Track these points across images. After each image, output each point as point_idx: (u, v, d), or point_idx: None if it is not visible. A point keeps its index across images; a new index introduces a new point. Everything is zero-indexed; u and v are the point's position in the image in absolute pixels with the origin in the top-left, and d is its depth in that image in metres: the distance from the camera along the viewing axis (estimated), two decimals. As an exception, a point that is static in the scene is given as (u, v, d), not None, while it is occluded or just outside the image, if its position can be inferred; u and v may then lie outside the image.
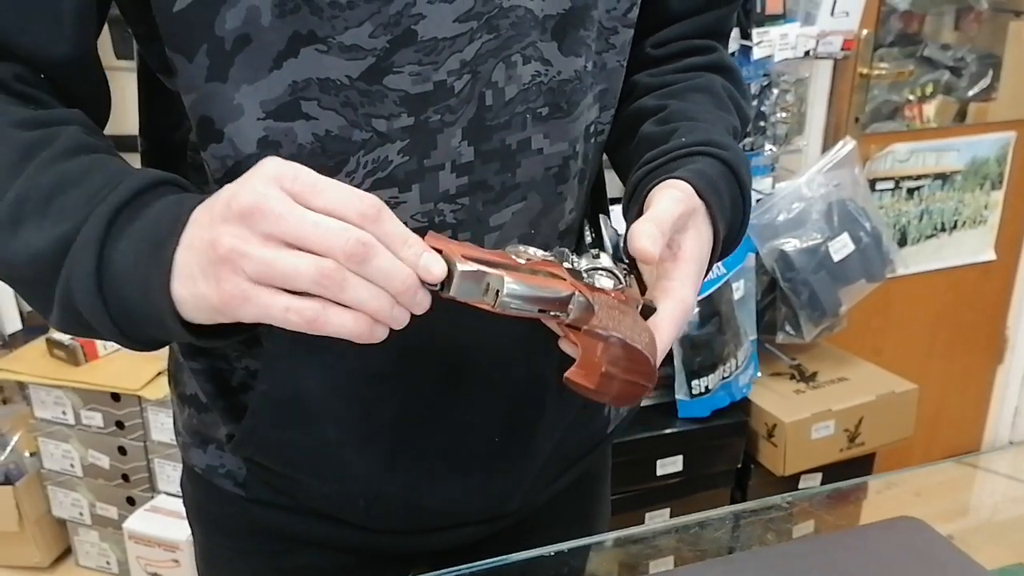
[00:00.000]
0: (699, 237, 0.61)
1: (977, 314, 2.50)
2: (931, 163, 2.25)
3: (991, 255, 2.44)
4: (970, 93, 2.49)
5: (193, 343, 0.54)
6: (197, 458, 0.77)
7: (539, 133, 0.65)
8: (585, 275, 0.57)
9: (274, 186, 0.47)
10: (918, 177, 2.25)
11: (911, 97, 2.42)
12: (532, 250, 0.55)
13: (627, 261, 0.59)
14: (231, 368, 0.71)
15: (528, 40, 0.62)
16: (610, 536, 0.90)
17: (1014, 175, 2.37)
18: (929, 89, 2.46)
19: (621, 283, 0.57)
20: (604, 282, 0.56)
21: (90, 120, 0.60)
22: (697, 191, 0.61)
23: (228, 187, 0.49)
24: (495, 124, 0.62)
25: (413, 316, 0.51)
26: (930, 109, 2.44)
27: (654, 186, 0.62)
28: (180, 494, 0.84)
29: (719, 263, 1.72)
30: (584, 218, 0.70)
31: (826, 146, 2.08)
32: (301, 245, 0.47)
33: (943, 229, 2.35)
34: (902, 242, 2.30)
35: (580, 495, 0.86)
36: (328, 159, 0.59)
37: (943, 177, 2.29)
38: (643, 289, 0.61)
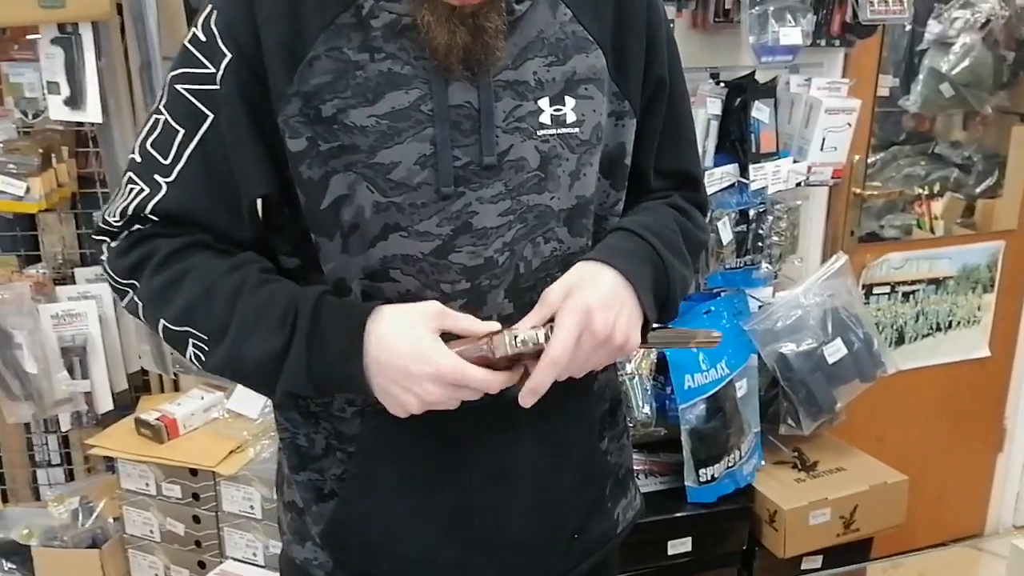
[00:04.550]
0: (590, 289, 0.85)
1: (975, 405, 2.63)
2: (924, 270, 2.45)
3: (986, 352, 2.59)
4: (977, 190, 2.69)
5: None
6: (297, 552, 1.00)
7: None
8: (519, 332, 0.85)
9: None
10: (913, 282, 2.45)
11: (921, 191, 2.61)
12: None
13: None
14: (324, 480, 0.95)
15: (548, 227, 0.89)
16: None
17: (1004, 280, 2.54)
18: (937, 187, 2.66)
19: (544, 334, 0.84)
20: (530, 334, 0.83)
21: (262, 258, 0.89)
22: (595, 259, 0.87)
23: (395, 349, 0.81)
24: (527, 286, 0.89)
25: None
26: (938, 207, 2.64)
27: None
28: (244, 560, 1.09)
29: (723, 362, 1.92)
30: None
31: (825, 256, 2.29)
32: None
33: (939, 329, 2.52)
34: (900, 341, 2.48)
35: None
36: None
37: (936, 282, 2.48)
38: None
